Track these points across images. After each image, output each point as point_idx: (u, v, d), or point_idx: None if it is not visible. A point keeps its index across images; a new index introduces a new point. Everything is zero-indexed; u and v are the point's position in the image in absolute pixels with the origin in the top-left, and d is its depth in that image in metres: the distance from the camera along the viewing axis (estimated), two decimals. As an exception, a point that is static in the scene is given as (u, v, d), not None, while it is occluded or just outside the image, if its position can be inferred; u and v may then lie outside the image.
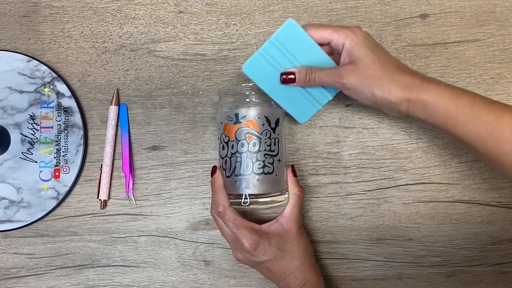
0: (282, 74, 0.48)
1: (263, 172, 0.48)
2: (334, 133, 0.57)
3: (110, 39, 0.58)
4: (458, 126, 0.43)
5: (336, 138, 0.57)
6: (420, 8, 0.58)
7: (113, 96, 0.57)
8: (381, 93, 0.44)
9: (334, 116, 0.58)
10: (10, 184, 0.56)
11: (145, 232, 0.57)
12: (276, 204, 0.49)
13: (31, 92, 0.56)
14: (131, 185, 0.57)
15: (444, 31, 0.58)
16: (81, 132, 0.57)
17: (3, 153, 0.56)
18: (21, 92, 0.56)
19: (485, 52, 0.58)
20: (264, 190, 0.49)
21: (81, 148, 0.56)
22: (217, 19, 0.58)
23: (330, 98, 0.52)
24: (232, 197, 0.49)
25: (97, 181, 0.57)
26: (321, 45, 0.49)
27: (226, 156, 0.49)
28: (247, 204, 0.48)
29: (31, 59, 0.56)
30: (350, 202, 0.57)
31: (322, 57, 0.49)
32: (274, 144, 0.49)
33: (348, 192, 0.57)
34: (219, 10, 0.58)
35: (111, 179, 0.57)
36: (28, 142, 0.56)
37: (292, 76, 0.48)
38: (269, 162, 0.49)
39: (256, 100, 0.50)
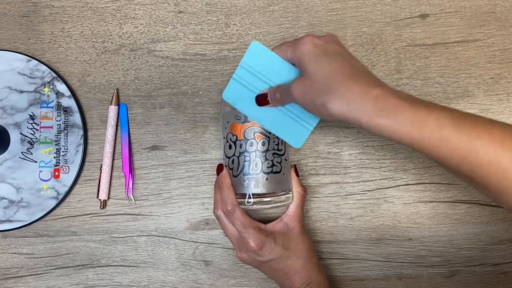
0: (256, 97, 0.46)
1: (272, 171, 0.49)
2: (334, 133, 0.57)
3: (110, 39, 0.58)
4: (426, 150, 0.37)
5: (336, 138, 0.57)
6: (420, 8, 0.58)
7: (113, 96, 0.57)
8: (323, 108, 0.38)
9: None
10: (9, 184, 0.56)
11: (145, 232, 0.57)
12: (279, 204, 0.49)
13: (31, 92, 0.56)
14: (131, 185, 0.57)
15: (444, 31, 0.58)
16: (81, 132, 0.56)
17: (3, 153, 0.56)
18: (21, 92, 0.56)
19: (485, 52, 0.58)
20: (273, 189, 0.49)
21: (81, 148, 0.56)
22: (217, 19, 0.58)
23: (319, 119, 0.46)
24: (237, 197, 0.49)
25: (97, 181, 0.57)
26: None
27: (234, 155, 0.49)
28: (251, 203, 0.48)
29: (31, 59, 0.56)
30: (350, 202, 0.57)
31: (290, 72, 0.45)
32: (282, 143, 0.50)
33: (348, 192, 0.57)
34: (219, 10, 0.58)
35: (111, 179, 0.57)
36: (28, 142, 0.56)
37: (263, 100, 0.45)
38: (277, 161, 0.49)
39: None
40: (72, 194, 0.57)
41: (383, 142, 0.57)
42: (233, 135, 0.49)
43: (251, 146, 0.48)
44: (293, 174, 0.52)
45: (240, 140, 0.49)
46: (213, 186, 0.55)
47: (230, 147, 0.50)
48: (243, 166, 0.49)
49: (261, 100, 0.46)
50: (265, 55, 0.45)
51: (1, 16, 0.58)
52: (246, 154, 0.49)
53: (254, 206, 0.48)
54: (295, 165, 0.53)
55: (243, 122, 0.49)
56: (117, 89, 0.57)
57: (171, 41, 0.58)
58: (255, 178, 0.48)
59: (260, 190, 0.48)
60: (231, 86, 0.47)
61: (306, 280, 0.49)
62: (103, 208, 0.57)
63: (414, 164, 0.57)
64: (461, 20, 0.58)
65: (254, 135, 0.48)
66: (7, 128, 0.56)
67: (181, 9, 0.58)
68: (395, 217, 0.57)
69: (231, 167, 0.50)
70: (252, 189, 0.48)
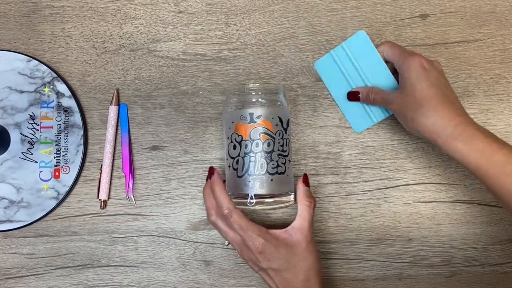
0: (348, 92, 0.55)
1: (276, 172, 0.49)
2: (334, 133, 0.57)
3: (110, 39, 0.58)
4: (489, 179, 0.43)
5: (336, 138, 0.57)
6: (420, 8, 0.58)
7: (113, 96, 0.57)
8: (419, 118, 0.45)
9: (334, 116, 0.58)
10: (10, 184, 0.56)
11: (145, 232, 0.57)
12: (281, 205, 0.49)
13: (31, 92, 0.56)
14: (131, 185, 0.57)
15: (444, 31, 0.58)
16: (81, 132, 0.56)
17: (3, 153, 0.56)
18: (21, 92, 0.56)
19: (485, 52, 0.58)
20: (277, 191, 0.49)
21: (81, 148, 0.56)
22: (217, 19, 0.58)
23: (388, 114, 0.56)
24: (237, 198, 0.49)
25: (97, 181, 0.57)
26: (387, 61, 0.53)
27: (239, 155, 0.49)
28: (253, 204, 0.48)
29: (31, 59, 0.56)
30: (350, 202, 0.57)
31: (383, 72, 0.54)
32: (286, 145, 0.50)
33: (348, 192, 0.57)
34: (219, 10, 0.58)
35: (111, 179, 0.57)
36: (28, 142, 0.56)
37: (356, 94, 0.54)
38: (282, 162, 0.49)
39: (263, 100, 0.50)
40: (72, 194, 0.57)
41: (383, 142, 0.57)
42: (238, 135, 0.49)
43: (256, 146, 0.48)
44: (301, 184, 0.50)
45: (245, 141, 0.49)
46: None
47: (234, 147, 0.49)
48: (248, 167, 0.48)
49: (352, 96, 0.54)
50: (367, 47, 0.54)
51: (1, 16, 0.58)
52: (251, 154, 0.48)
53: (256, 206, 0.48)
54: (305, 174, 0.51)
55: (249, 123, 0.49)
56: (117, 89, 0.57)
57: (171, 41, 0.58)
58: (260, 179, 0.48)
59: (264, 191, 0.48)
60: (326, 59, 0.56)
61: None
62: (103, 208, 0.57)
63: (414, 164, 0.57)
64: (461, 20, 0.58)
65: (259, 136, 0.48)
66: (7, 128, 0.56)
67: (181, 9, 0.58)
68: (395, 217, 0.57)
69: (235, 168, 0.49)
70: (257, 189, 0.48)
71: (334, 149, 0.57)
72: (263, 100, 0.50)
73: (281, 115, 0.49)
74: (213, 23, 0.58)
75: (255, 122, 0.48)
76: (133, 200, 0.57)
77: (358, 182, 0.57)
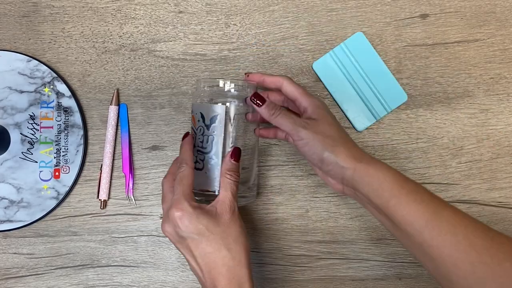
0: (255, 92, 0.48)
1: (195, 167, 0.48)
2: (334, 133, 0.57)
3: (110, 39, 0.58)
4: (399, 208, 0.42)
5: (336, 138, 0.57)
6: (420, 8, 0.58)
7: (113, 96, 0.57)
8: (332, 153, 0.45)
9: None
10: (10, 184, 0.56)
11: (145, 232, 0.57)
12: (200, 197, 0.49)
13: (31, 92, 0.56)
14: (131, 185, 0.57)
15: (444, 31, 0.58)
16: (81, 132, 0.56)
17: (3, 153, 0.56)
18: (21, 92, 0.56)
19: (485, 52, 0.58)
20: (196, 185, 0.48)
21: (81, 148, 0.56)
22: (217, 19, 0.58)
23: (389, 111, 0.56)
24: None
25: (97, 181, 0.57)
26: (268, 89, 0.52)
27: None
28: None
29: (31, 59, 0.56)
30: (350, 202, 0.57)
31: (383, 72, 0.56)
32: (207, 142, 0.48)
33: (348, 192, 0.57)
34: (219, 10, 0.58)
35: (111, 179, 0.57)
36: (28, 142, 0.56)
37: (259, 102, 0.48)
38: (200, 159, 0.49)
39: (205, 98, 0.49)
40: (72, 194, 0.57)
41: (383, 142, 0.57)
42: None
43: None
44: (228, 157, 0.48)
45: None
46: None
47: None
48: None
49: (255, 100, 0.48)
50: (365, 47, 0.57)
51: (1, 16, 0.58)
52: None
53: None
54: (235, 148, 0.48)
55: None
56: (117, 89, 0.57)
57: (171, 41, 0.58)
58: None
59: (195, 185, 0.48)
60: (324, 60, 0.57)
61: (232, 284, 0.44)
62: (103, 208, 0.57)
63: (414, 164, 0.57)
64: (461, 20, 0.58)
65: (190, 130, 0.50)
66: (7, 128, 0.56)
67: (181, 9, 0.58)
68: (395, 217, 0.57)
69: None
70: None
71: (334, 149, 0.57)
72: (203, 96, 0.50)
73: (204, 111, 0.48)
74: (213, 23, 0.58)
75: (191, 115, 0.49)
76: (133, 200, 0.57)
77: (358, 182, 0.57)
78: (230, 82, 0.49)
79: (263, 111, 0.47)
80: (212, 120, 0.48)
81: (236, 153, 0.48)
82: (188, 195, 0.45)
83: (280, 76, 0.50)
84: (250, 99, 0.48)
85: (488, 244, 0.39)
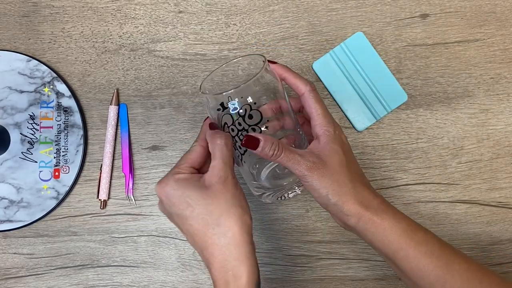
0: (245, 136, 0.41)
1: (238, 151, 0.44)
2: (334, 133, 0.57)
3: (110, 39, 0.58)
4: (408, 261, 0.40)
5: (336, 138, 0.57)
6: (420, 8, 0.58)
7: (113, 96, 0.57)
8: (336, 199, 0.41)
9: (334, 116, 0.57)
10: (10, 184, 0.56)
11: (145, 232, 0.57)
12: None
13: (31, 92, 0.56)
14: (131, 185, 0.57)
15: (444, 31, 0.58)
16: (81, 132, 0.56)
17: (3, 153, 0.56)
18: (21, 92, 0.56)
19: (486, 52, 0.58)
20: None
21: (81, 148, 0.56)
22: (217, 19, 0.58)
23: (389, 111, 0.56)
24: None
25: (97, 181, 0.57)
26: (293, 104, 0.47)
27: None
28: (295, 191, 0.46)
29: (31, 59, 0.56)
30: (350, 202, 0.57)
31: (384, 72, 0.56)
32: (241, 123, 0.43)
33: (348, 192, 0.57)
34: (219, 10, 0.58)
35: (111, 179, 0.57)
36: (28, 142, 0.56)
37: (255, 142, 0.41)
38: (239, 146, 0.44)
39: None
40: (72, 194, 0.57)
41: (383, 142, 0.57)
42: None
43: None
44: (205, 126, 0.44)
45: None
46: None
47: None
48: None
49: (249, 142, 0.41)
50: (365, 47, 0.56)
51: (1, 16, 0.58)
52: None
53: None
54: (210, 122, 0.44)
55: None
56: (117, 89, 0.57)
57: (171, 41, 0.58)
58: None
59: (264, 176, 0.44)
60: (325, 59, 0.57)
61: (219, 265, 0.38)
62: (103, 208, 0.57)
63: (414, 164, 0.57)
64: (461, 20, 0.58)
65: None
66: (7, 128, 0.56)
67: (181, 9, 0.58)
68: (395, 217, 0.57)
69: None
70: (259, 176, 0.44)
71: (334, 149, 0.57)
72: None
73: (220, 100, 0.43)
74: (213, 23, 0.58)
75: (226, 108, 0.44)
76: (133, 200, 0.57)
77: (358, 182, 0.57)
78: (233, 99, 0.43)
79: (262, 153, 0.41)
80: (223, 105, 0.43)
81: (212, 126, 0.44)
82: (175, 171, 0.41)
83: (302, 82, 0.44)
84: (243, 142, 0.41)
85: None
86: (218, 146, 0.41)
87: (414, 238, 0.40)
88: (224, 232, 0.38)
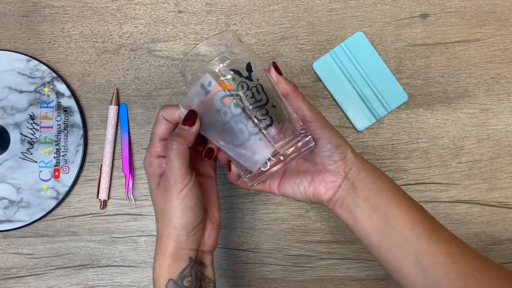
0: (273, 63, 0.44)
1: (263, 128, 0.40)
2: (334, 133, 0.57)
3: (110, 38, 0.58)
4: (401, 211, 0.42)
5: (336, 138, 0.57)
6: (421, 8, 0.58)
7: (112, 96, 0.57)
8: (344, 143, 0.43)
9: (334, 116, 0.57)
10: (9, 184, 0.56)
11: (145, 232, 0.57)
12: (303, 150, 0.41)
13: (31, 92, 0.56)
14: (131, 185, 0.57)
15: (444, 31, 0.58)
16: (81, 132, 0.56)
17: (3, 153, 0.56)
18: (21, 92, 0.56)
19: (486, 52, 0.58)
20: (282, 139, 0.41)
21: (81, 148, 0.56)
22: (217, 19, 0.58)
23: (389, 111, 0.56)
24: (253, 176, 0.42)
25: (97, 181, 0.57)
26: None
27: (223, 132, 0.41)
28: (267, 168, 0.41)
29: (30, 58, 0.56)
30: (350, 202, 0.57)
31: (383, 70, 0.56)
32: (258, 93, 0.41)
33: (348, 192, 0.57)
34: (219, 10, 0.58)
35: (111, 179, 0.57)
36: (28, 142, 0.56)
37: (280, 70, 0.44)
38: (262, 114, 0.41)
39: (205, 62, 0.43)
40: (72, 194, 0.57)
41: (383, 142, 0.57)
42: (209, 115, 0.42)
43: (225, 115, 0.41)
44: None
45: (214, 115, 0.41)
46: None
47: (217, 129, 0.42)
48: (231, 139, 0.41)
49: (277, 68, 0.44)
50: (365, 47, 0.57)
51: (1, 16, 0.58)
52: (227, 125, 0.41)
53: (275, 168, 0.41)
54: (189, 111, 0.41)
55: (206, 95, 0.41)
56: (117, 89, 0.57)
57: (171, 41, 0.58)
58: (249, 145, 0.40)
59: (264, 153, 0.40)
60: (325, 59, 0.57)
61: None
62: (103, 208, 0.57)
63: (414, 164, 0.57)
64: (461, 20, 0.58)
65: (222, 102, 0.41)
66: (7, 128, 0.56)
67: (181, 9, 0.58)
68: (395, 217, 0.57)
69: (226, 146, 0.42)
70: (255, 156, 0.40)
71: (334, 149, 0.57)
72: (204, 63, 0.43)
73: (234, 66, 0.41)
74: (213, 23, 0.58)
75: (209, 91, 0.40)
76: (133, 200, 0.57)
77: (358, 182, 0.57)
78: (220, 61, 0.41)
79: (284, 81, 0.43)
80: (248, 68, 0.41)
81: (190, 117, 0.41)
82: (153, 151, 0.43)
83: (287, 85, 0.44)
84: (272, 66, 0.44)
85: (480, 264, 0.40)
86: (173, 152, 0.40)
87: (407, 195, 0.43)
88: (159, 237, 0.42)
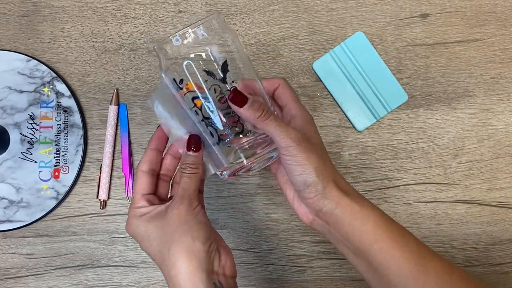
0: (233, 91, 0.38)
1: (232, 135, 0.40)
2: (334, 133, 0.57)
3: (109, 38, 0.58)
4: (383, 254, 0.38)
5: (336, 138, 0.57)
6: (421, 8, 0.58)
7: (112, 96, 0.57)
8: (321, 178, 0.38)
9: (334, 116, 0.57)
10: (9, 184, 0.56)
11: (145, 232, 0.57)
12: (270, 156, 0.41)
13: (31, 91, 0.56)
14: (130, 185, 0.57)
15: (444, 31, 0.58)
16: (81, 132, 0.56)
17: (3, 153, 0.56)
18: (21, 91, 0.56)
19: (486, 52, 0.58)
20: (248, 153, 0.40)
21: (80, 148, 0.56)
22: (217, 18, 0.58)
23: (389, 111, 0.56)
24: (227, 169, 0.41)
25: (97, 181, 0.57)
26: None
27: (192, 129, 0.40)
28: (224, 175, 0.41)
29: (30, 58, 0.56)
30: (350, 202, 0.57)
31: (383, 70, 0.56)
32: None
33: (348, 192, 0.57)
34: (219, 9, 0.58)
35: (110, 179, 0.57)
36: (28, 142, 0.56)
37: (242, 99, 0.38)
38: (233, 121, 0.39)
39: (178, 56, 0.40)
40: (72, 194, 0.57)
41: (383, 142, 0.57)
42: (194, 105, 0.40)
43: (197, 115, 0.40)
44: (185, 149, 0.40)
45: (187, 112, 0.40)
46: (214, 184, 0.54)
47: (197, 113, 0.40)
48: (204, 138, 0.40)
49: (235, 98, 0.38)
50: (366, 47, 0.57)
51: (1, 16, 0.58)
52: (197, 125, 0.40)
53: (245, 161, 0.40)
54: (192, 136, 0.40)
55: (178, 91, 0.40)
56: (117, 89, 0.57)
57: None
58: (217, 150, 0.39)
59: (227, 162, 0.39)
60: (325, 60, 0.57)
61: None
62: (103, 208, 0.57)
63: (415, 164, 0.57)
64: (462, 20, 0.58)
65: (194, 103, 0.39)
66: (7, 128, 0.56)
67: (181, 9, 0.58)
68: (395, 217, 0.57)
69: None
70: (221, 163, 0.40)
71: (334, 149, 0.57)
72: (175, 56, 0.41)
73: (207, 67, 0.39)
74: (213, 23, 0.58)
75: (181, 88, 0.39)
76: (133, 200, 0.57)
77: (358, 182, 0.57)
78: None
79: (246, 113, 0.38)
80: (224, 68, 0.39)
81: (195, 141, 0.40)
82: (133, 208, 0.41)
83: (277, 78, 0.44)
84: (229, 99, 0.38)
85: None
86: (190, 177, 0.39)
87: (392, 230, 0.38)
88: (173, 262, 0.37)
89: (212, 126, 0.39)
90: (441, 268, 0.38)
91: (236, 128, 0.39)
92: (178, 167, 0.43)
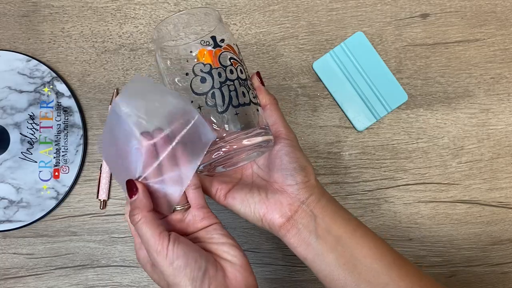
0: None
1: (258, 103, 0.42)
2: (334, 133, 0.57)
3: (109, 38, 0.58)
4: (361, 241, 0.40)
5: (336, 138, 0.57)
6: (421, 8, 0.58)
7: (112, 96, 0.57)
8: (310, 167, 0.42)
9: (334, 116, 0.57)
10: (9, 184, 0.56)
11: (145, 232, 0.57)
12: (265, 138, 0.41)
13: (31, 91, 0.56)
14: (130, 185, 0.57)
15: (444, 31, 0.58)
16: (81, 132, 0.56)
17: (3, 153, 0.56)
18: (21, 91, 0.56)
19: (486, 52, 0.58)
20: (262, 123, 0.41)
21: (80, 148, 0.56)
22: (217, 18, 0.58)
23: (389, 111, 0.56)
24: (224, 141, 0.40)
25: (97, 181, 0.57)
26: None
27: (213, 87, 0.40)
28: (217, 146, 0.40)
29: (30, 58, 0.56)
30: (350, 202, 0.57)
31: (383, 70, 0.56)
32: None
33: (348, 192, 0.57)
34: (219, 9, 0.58)
35: (110, 179, 0.57)
36: (28, 142, 0.56)
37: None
38: (252, 94, 0.42)
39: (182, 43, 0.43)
40: (72, 194, 0.57)
41: (383, 142, 0.57)
42: (204, 65, 0.40)
43: (231, 73, 0.41)
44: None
45: (217, 68, 0.40)
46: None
47: (202, 80, 0.40)
48: (230, 97, 0.40)
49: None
50: (365, 47, 0.57)
51: (1, 16, 0.58)
52: (229, 82, 0.40)
53: (246, 142, 0.40)
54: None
55: (215, 47, 0.41)
56: (117, 89, 0.57)
57: (172, 40, 0.58)
58: (247, 109, 0.40)
59: (255, 122, 0.41)
60: (325, 59, 0.57)
61: None
62: (103, 208, 0.57)
63: (415, 164, 0.57)
64: (462, 20, 0.58)
65: (231, 62, 0.41)
66: (7, 128, 0.56)
67: (181, 9, 0.58)
68: (395, 217, 0.57)
69: (210, 104, 0.40)
70: (247, 122, 0.40)
71: (334, 149, 0.57)
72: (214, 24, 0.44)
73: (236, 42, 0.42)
74: (213, 23, 0.58)
75: (220, 46, 0.41)
76: (133, 200, 0.57)
77: (358, 182, 0.57)
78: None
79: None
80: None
81: (131, 187, 0.39)
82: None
83: (269, 97, 0.44)
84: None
85: None
86: (138, 225, 0.38)
87: (350, 224, 0.41)
88: None
89: (232, 90, 0.40)
90: (417, 268, 0.41)
91: (256, 98, 0.42)
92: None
